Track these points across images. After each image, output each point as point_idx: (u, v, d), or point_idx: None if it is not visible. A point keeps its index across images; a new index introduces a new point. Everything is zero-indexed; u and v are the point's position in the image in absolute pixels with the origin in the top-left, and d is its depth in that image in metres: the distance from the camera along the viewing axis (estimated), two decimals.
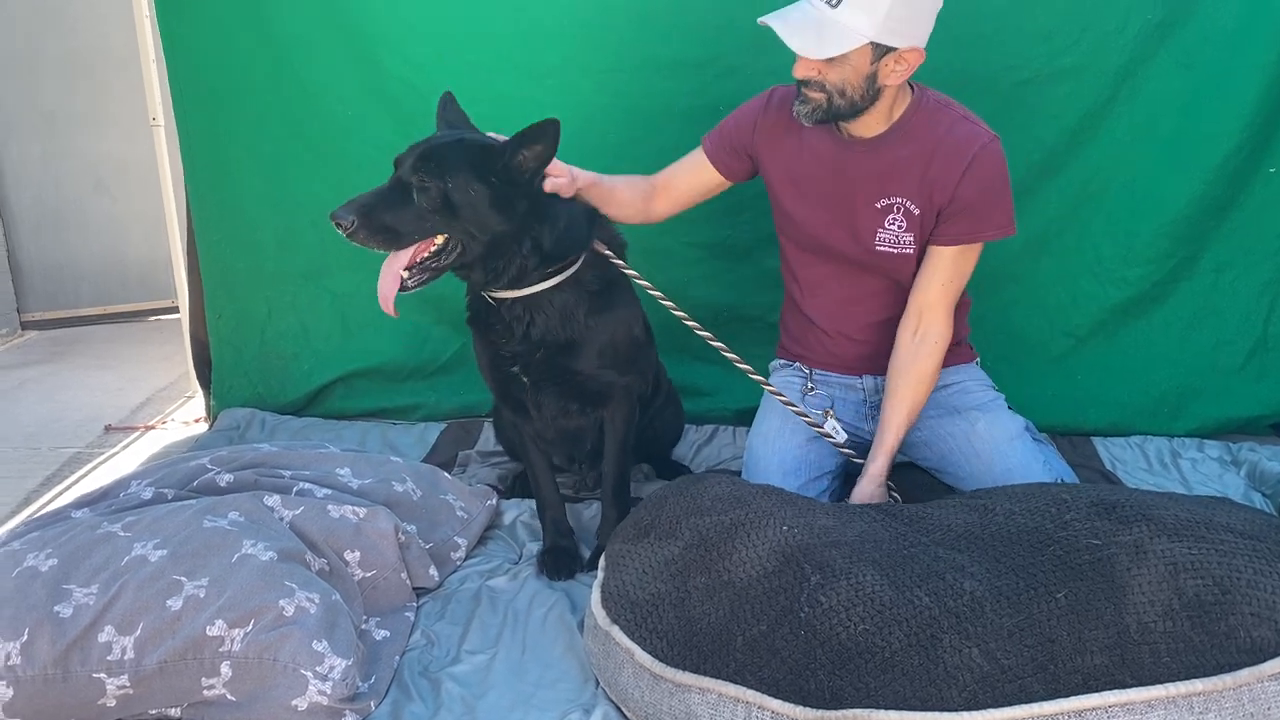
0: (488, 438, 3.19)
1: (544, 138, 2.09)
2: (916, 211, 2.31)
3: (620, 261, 2.33)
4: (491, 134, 2.26)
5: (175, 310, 4.78)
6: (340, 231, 2.04)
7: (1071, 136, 2.98)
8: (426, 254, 2.15)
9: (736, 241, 3.15)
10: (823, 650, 1.57)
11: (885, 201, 2.33)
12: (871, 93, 2.20)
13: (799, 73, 2.20)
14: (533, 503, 2.60)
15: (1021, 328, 3.13)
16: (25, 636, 1.88)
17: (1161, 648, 1.52)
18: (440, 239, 2.14)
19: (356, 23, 3.08)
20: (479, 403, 3.40)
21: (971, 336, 2.65)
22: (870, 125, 2.29)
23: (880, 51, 2.13)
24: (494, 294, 2.25)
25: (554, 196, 2.19)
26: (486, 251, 2.15)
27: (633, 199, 2.51)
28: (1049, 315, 3.13)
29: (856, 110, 2.23)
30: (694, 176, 2.56)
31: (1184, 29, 2.86)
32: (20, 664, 1.86)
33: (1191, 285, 3.05)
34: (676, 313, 2.43)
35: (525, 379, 2.34)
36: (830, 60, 2.13)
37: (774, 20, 2.15)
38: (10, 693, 1.86)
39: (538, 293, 2.23)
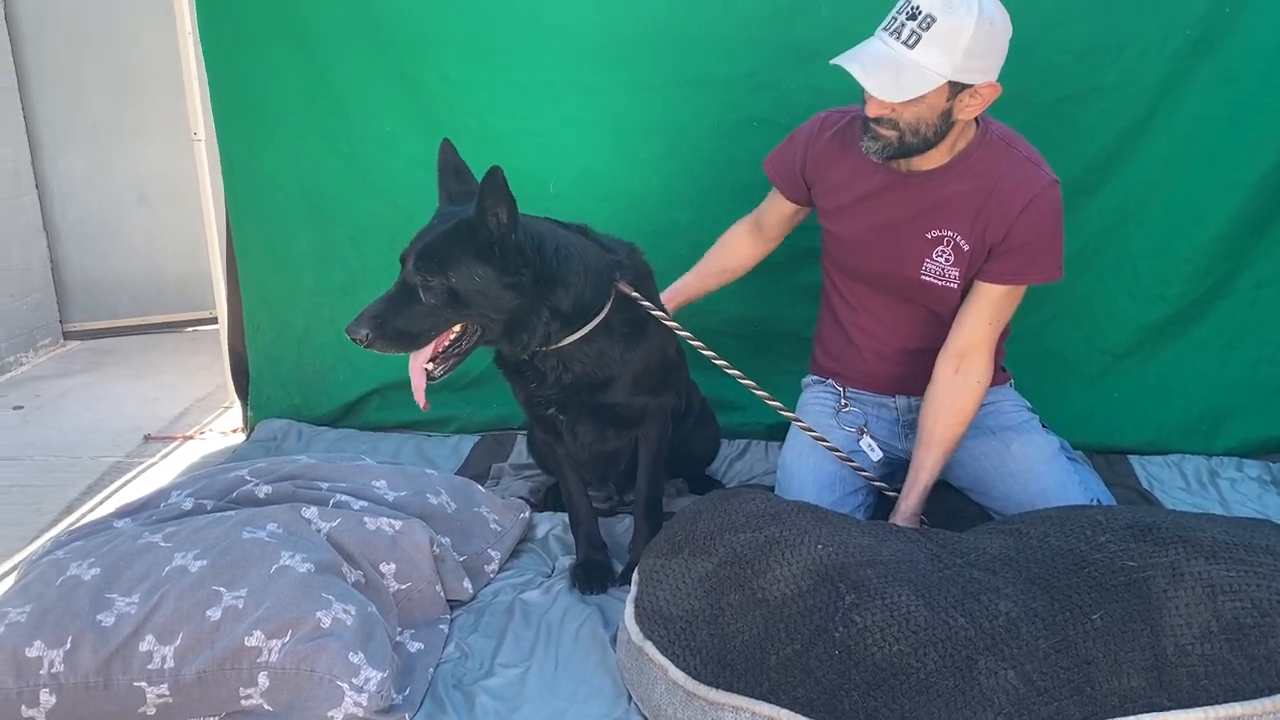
0: (520, 450, 3.20)
1: (500, 192, 1.99)
2: (966, 248, 2.28)
3: (646, 303, 2.28)
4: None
5: (212, 321, 4.85)
6: (357, 344, 2.06)
7: (1110, 153, 2.96)
8: (447, 343, 2.15)
9: (771, 256, 3.14)
10: (857, 671, 1.57)
11: (935, 233, 2.30)
12: (944, 129, 2.17)
13: (873, 111, 2.16)
14: (565, 516, 2.62)
15: (1058, 345, 3.10)
16: (68, 644, 1.91)
17: (1199, 670, 1.51)
18: (458, 327, 2.14)
19: (392, 41, 3.12)
20: (512, 415, 3.41)
21: (1007, 355, 2.64)
22: (932, 159, 2.26)
23: (957, 89, 2.10)
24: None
25: (566, 255, 2.15)
26: (506, 328, 2.14)
27: (732, 262, 2.70)
28: (1086, 333, 3.10)
29: (927, 146, 2.20)
30: (776, 205, 2.59)
31: (1224, 45, 2.84)
32: (63, 671, 1.90)
33: (1230, 303, 3.02)
34: (705, 353, 2.40)
35: (561, 416, 2.35)
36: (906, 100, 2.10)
37: (849, 63, 2.11)
38: (53, 700, 1.89)
39: (568, 344, 2.22)
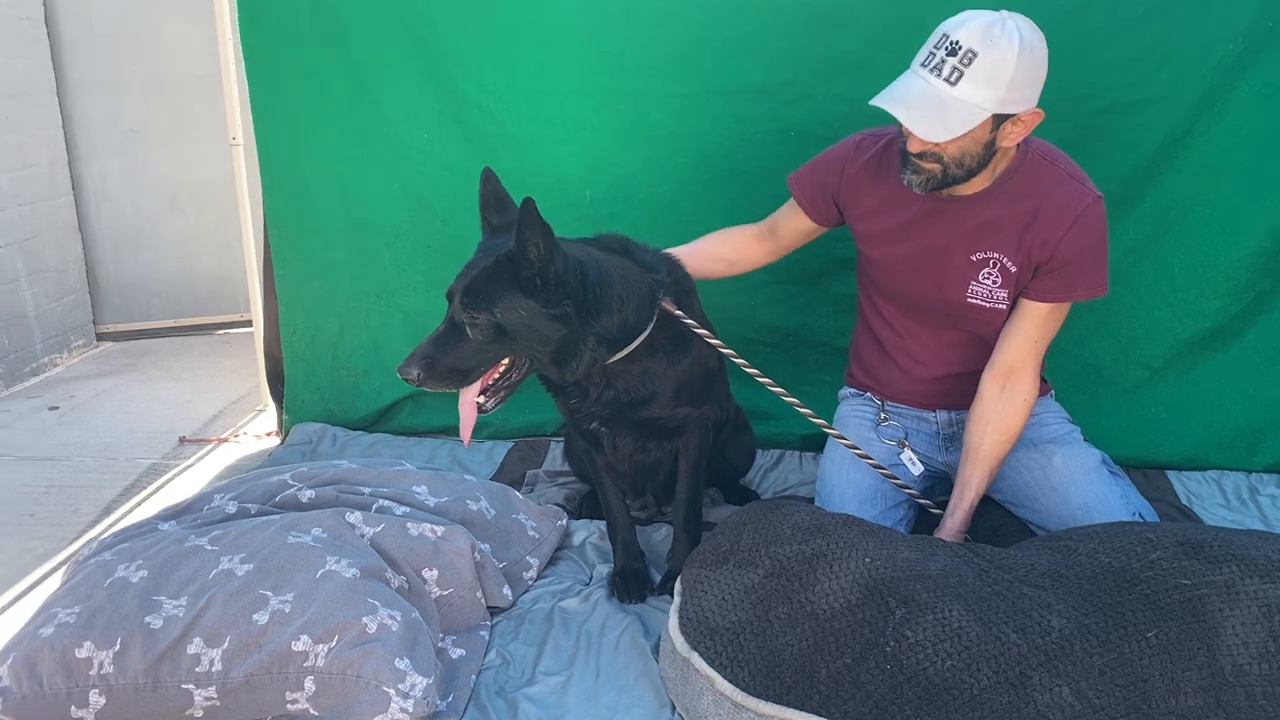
0: (554, 457, 3.22)
1: (536, 224, 1.99)
2: (1013, 269, 2.27)
3: (690, 322, 2.28)
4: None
5: (243, 324, 4.91)
6: (410, 384, 2.09)
7: (1149, 167, 2.95)
8: (497, 375, 2.17)
9: (807, 266, 3.15)
10: (909, 686, 1.57)
11: (981, 255, 2.29)
12: (987, 158, 2.16)
13: (915, 147, 2.14)
14: (601, 523, 2.62)
15: (1095, 358, 3.09)
16: (118, 646, 1.93)
17: (1257, 690, 1.50)
18: (507, 359, 2.16)
19: (433, 49, 3.14)
20: (545, 421, 3.43)
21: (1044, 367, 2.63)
22: (974, 184, 2.24)
23: (1000, 119, 2.09)
24: None
25: (609, 281, 2.14)
26: (554, 358, 2.15)
27: (738, 256, 2.64)
28: (1123, 346, 3.09)
29: (970, 175, 2.18)
30: (791, 221, 2.57)
31: (1265, 60, 2.82)
32: (113, 673, 1.92)
33: (1271, 318, 3.00)
34: (749, 370, 2.38)
35: (604, 429, 2.37)
36: None
37: (892, 105, 2.07)
38: (103, 701, 1.91)
39: (611, 363, 2.22)
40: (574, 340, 2.12)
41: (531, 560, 2.46)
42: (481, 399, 2.18)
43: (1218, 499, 2.85)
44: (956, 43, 2.03)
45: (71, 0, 4.70)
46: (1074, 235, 2.21)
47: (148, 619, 1.97)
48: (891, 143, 2.34)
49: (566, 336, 2.11)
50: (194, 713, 1.92)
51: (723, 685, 1.73)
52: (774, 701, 1.66)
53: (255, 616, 1.96)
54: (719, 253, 2.66)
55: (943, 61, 2.04)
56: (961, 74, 2.02)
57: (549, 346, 2.12)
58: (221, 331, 5.14)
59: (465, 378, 2.12)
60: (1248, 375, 3.03)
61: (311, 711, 1.91)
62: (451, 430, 3.45)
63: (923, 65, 2.09)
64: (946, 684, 1.56)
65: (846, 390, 2.69)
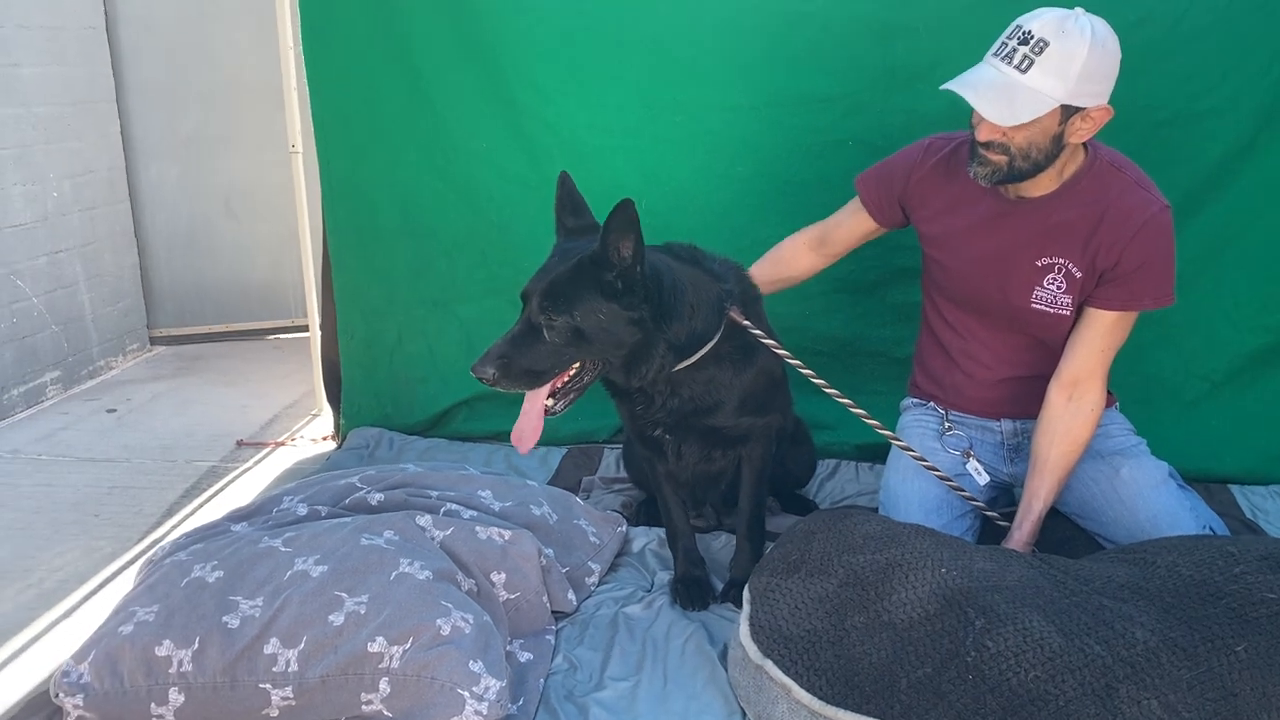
0: (608, 463, 3.23)
1: (628, 225, 2.00)
2: (1078, 275, 2.27)
3: (757, 331, 2.29)
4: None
5: (294, 329, 4.97)
6: (484, 383, 2.09)
7: (1210, 179, 2.93)
8: (567, 378, 2.16)
9: (863, 276, 3.16)
10: (992, 697, 1.57)
11: (1046, 260, 2.29)
12: (1054, 152, 2.17)
13: (983, 135, 2.15)
14: (660, 530, 2.64)
15: (1155, 370, 3.07)
16: (196, 645, 1.96)
17: None
18: (577, 363, 2.16)
19: (491, 58, 3.18)
20: (597, 428, 3.45)
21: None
22: (1041, 185, 2.25)
23: (1069, 112, 2.10)
24: None
25: (681, 288, 2.15)
26: (626, 362, 2.16)
27: (794, 272, 2.69)
28: (1184, 359, 3.07)
29: (1037, 170, 2.19)
30: (853, 222, 2.59)
31: None
32: (192, 671, 1.95)
33: None
34: (816, 381, 2.39)
35: (668, 436, 2.38)
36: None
37: (963, 88, 2.11)
38: (182, 699, 1.94)
39: (677, 371, 2.23)
40: (646, 345, 2.14)
41: (594, 566, 2.48)
42: (550, 401, 2.18)
43: None
44: (1029, 32, 2.07)
45: (132, 10, 4.80)
46: (1139, 242, 2.21)
47: (225, 619, 2.00)
48: (960, 146, 2.36)
49: (640, 341, 2.13)
50: (270, 712, 1.95)
51: (799, 694, 1.74)
52: (854, 710, 1.66)
53: (331, 618, 1.98)
54: (771, 276, 2.67)
55: (1014, 50, 2.08)
56: (1032, 62, 2.05)
57: (623, 351, 2.13)
58: (273, 336, 5.20)
59: (539, 379, 2.12)
60: None
61: (385, 713, 1.93)
62: (506, 436, 3.46)
63: (994, 55, 2.13)
64: (1031, 695, 1.55)
65: (909, 400, 2.70)
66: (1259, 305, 2.98)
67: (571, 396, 2.19)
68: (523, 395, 2.20)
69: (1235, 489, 2.96)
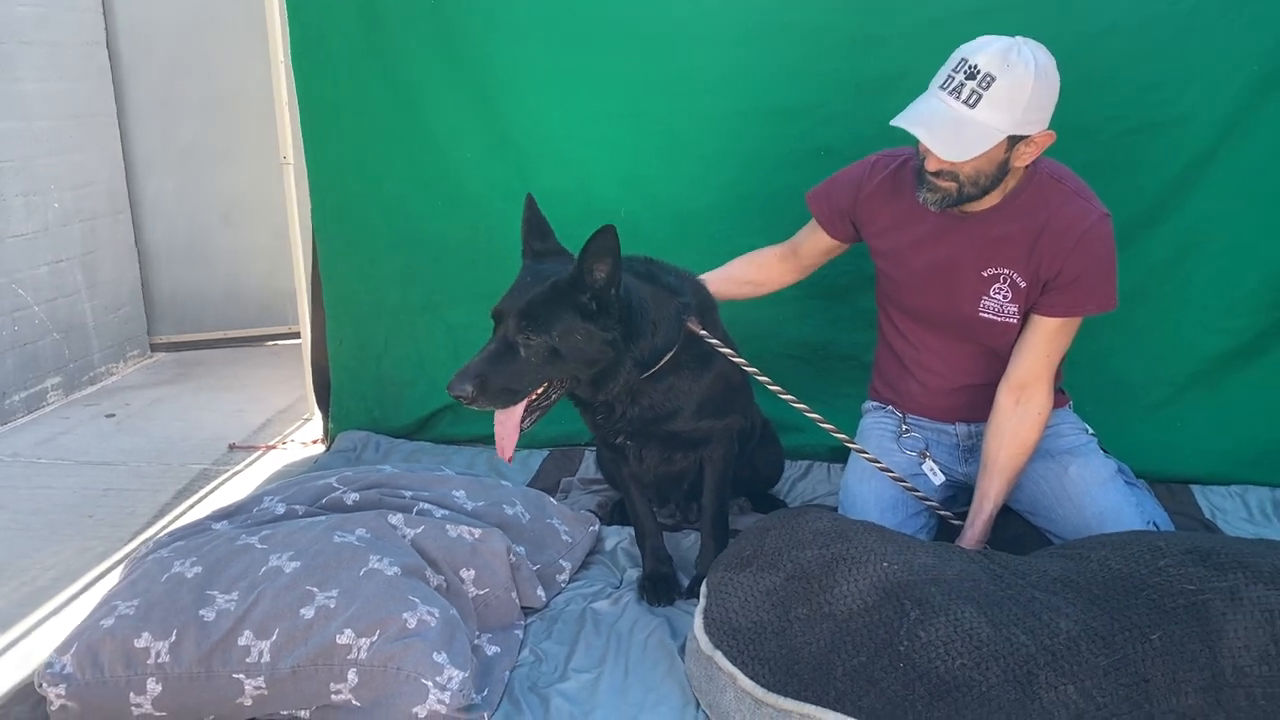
0: (588, 465, 3.31)
1: (607, 250, 2.07)
2: (1023, 284, 2.33)
3: (714, 341, 2.35)
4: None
5: (289, 336, 5.07)
6: (461, 401, 2.13)
7: (1175, 185, 2.99)
8: (536, 395, 2.21)
9: (835, 282, 3.22)
10: (921, 683, 1.64)
11: (992, 271, 2.36)
12: (1000, 176, 2.23)
13: (933, 166, 2.21)
14: (632, 529, 2.71)
15: (1120, 374, 3.12)
16: (173, 637, 2.04)
17: (1257, 692, 1.55)
18: (547, 381, 2.21)
19: (478, 71, 3.26)
20: (578, 431, 3.49)
21: (1068, 381, 2.68)
22: (985, 200, 2.31)
23: (1015, 140, 2.17)
24: None
25: (644, 306, 2.21)
26: (593, 380, 2.23)
27: (764, 277, 2.73)
28: (1148, 362, 3.12)
29: (983, 194, 2.25)
30: (815, 238, 2.66)
31: None
32: (169, 662, 2.02)
33: None
34: (772, 388, 2.45)
35: (629, 443, 2.45)
36: None
37: (913, 126, 2.16)
38: (159, 688, 2.02)
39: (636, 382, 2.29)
40: (615, 363, 2.21)
41: (564, 563, 2.55)
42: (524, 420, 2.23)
43: (1241, 513, 2.87)
44: (975, 67, 2.11)
45: (132, 25, 4.92)
46: (1080, 251, 2.27)
47: (201, 612, 2.07)
48: (906, 162, 2.42)
49: (611, 359, 2.20)
50: (244, 701, 2.02)
51: (744, 682, 1.81)
52: (792, 697, 1.74)
53: (302, 611, 2.06)
54: (745, 276, 2.76)
55: (961, 84, 2.12)
56: (980, 97, 2.10)
57: (594, 369, 2.20)
58: (270, 343, 5.31)
59: (514, 397, 2.17)
60: (1273, 392, 3.04)
61: (354, 702, 2.00)
62: (489, 439, 3.53)
63: (941, 88, 2.17)
64: (957, 681, 1.62)
65: (870, 404, 2.76)
66: (1223, 309, 3.03)
67: (537, 414, 2.24)
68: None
69: (1196, 489, 3.01)
